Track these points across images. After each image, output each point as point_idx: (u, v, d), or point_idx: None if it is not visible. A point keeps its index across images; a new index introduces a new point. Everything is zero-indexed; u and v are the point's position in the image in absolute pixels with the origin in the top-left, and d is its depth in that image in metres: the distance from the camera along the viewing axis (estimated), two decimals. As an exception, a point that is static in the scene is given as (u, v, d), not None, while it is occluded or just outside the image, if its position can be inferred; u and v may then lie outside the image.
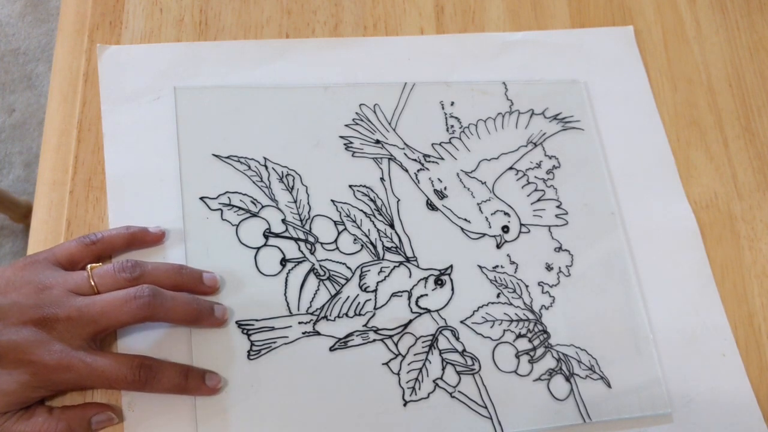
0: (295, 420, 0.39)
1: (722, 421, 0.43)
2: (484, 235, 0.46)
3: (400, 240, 0.44)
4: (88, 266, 0.38)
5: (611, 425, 0.42)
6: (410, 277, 0.43)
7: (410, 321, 0.42)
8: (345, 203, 0.45)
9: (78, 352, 0.35)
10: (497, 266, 0.45)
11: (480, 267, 0.45)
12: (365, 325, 0.42)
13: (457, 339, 0.42)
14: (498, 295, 0.44)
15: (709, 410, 0.44)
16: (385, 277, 0.43)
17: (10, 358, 0.34)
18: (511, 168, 0.48)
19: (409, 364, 0.41)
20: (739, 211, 0.50)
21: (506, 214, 0.46)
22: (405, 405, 0.40)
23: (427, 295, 0.43)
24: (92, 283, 0.37)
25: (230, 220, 0.43)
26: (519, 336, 0.43)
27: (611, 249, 0.47)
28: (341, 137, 0.46)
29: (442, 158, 0.47)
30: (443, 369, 0.42)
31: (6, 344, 0.34)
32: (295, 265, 0.42)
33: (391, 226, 0.45)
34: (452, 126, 0.48)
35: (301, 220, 0.44)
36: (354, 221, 0.44)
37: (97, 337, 0.36)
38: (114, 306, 0.36)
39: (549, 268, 0.45)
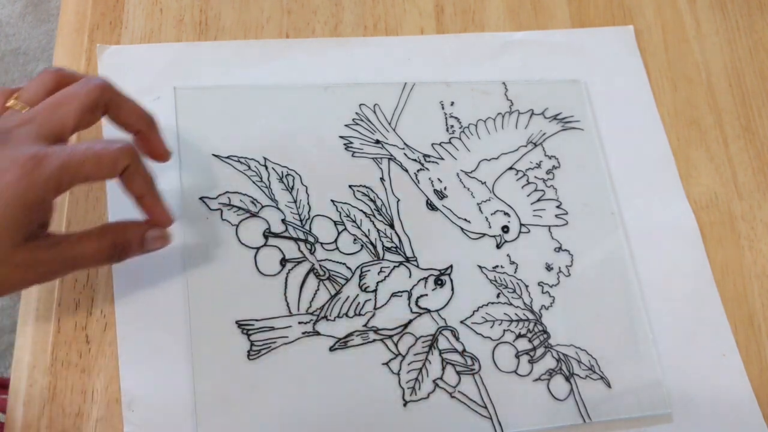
0: (295, 420, 0.39)
1: (722, 421, 0.43)
2: (484, 235, 0.45)
3: (399, 240, 0.44)
4: (9, 102, 0.34)
5: (611, 425, 0.42)
6: (410, 277, 0.43)
7: (410, 321, 0.42)
8: (345, 203, 0.45)
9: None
10: (497, 266, 0.45)
11: (480, 267, 0.44)
12: (365, 325, 0.42)
13: (457, 339, 0.42)
14: (498, 295, 0.44)
15: (709, 410, 0.44)
16: (385, 277, 0.43)
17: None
18: (511, 168, 0.48)
19: (409, 364, 0.41)
20: (739, 211, 0.50)
21: (506, 214, 0.46)
22: (405, 405, 0.40)
23: (427, 295, 0.43)
24: (21, 105, 0.33)
25: (230, 220, 0.43)
26: (519, 336, 0.43)
27: (611, 249, 0.47)
28: (341, 137, 0.46)
29: (442, 158, 0.47)
30: (443, 369, 0.42)
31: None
32: (295, 265, 0.42)
33: (391, 226, 0.45)
34: (452, 126, 0.48)
35: (301, 220, 0.44)
36: (354, 221, 0.44)
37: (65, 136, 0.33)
38: (67, 95, 0.32)
39: (549, 268, 0.45)
